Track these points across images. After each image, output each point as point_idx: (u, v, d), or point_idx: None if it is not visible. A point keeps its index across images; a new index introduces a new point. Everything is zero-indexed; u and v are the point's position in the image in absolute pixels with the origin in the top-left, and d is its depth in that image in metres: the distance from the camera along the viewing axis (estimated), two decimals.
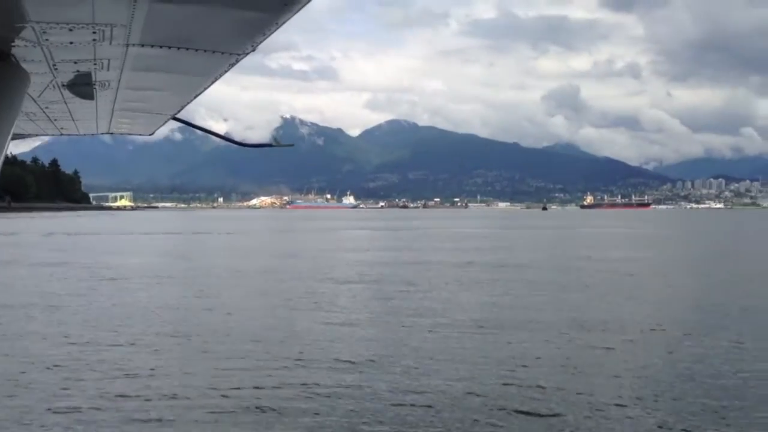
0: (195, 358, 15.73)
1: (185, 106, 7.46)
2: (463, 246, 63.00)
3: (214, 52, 4.97)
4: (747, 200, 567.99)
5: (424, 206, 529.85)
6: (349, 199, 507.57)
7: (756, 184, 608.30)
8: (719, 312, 24.31)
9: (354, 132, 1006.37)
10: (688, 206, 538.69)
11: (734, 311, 24.40)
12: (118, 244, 64.74)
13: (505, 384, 13.89)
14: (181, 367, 14.88)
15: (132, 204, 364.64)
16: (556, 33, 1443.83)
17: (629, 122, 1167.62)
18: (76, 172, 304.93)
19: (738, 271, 40.23)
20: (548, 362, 15.78)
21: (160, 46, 4.84)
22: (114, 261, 43.28)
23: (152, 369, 14.55)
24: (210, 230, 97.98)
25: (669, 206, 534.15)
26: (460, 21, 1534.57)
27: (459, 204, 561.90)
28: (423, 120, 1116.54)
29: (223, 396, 12.66)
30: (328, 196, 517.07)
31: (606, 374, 14.86)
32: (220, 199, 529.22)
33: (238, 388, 13.11)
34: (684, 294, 29.54)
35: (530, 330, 19.71)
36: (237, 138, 12.48)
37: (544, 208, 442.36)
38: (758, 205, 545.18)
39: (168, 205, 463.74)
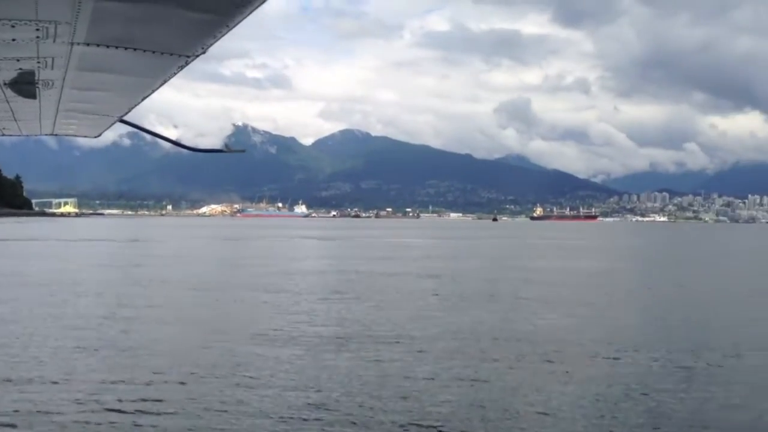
0: (70, 370, 15.01)
1: (133, 108, 7.20)
2: (403, 255, 62.90)
3: (162, 53, 4.83)
4: (689, 214, 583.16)
5: (377, 216, 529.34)
6: (301, 208, 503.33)
7: (698, 198, 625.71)
8: (640, 323, 24.52)
9: (307, 141, 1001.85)
10: (634, 219, 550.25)
11: (654, 323, 24.64)
12: (52, 250, 62.69)
13: (373, 397, 13.52)
14: (53, 377, 14.20)
15: (77, 210, 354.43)
16: (508, 47, 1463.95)
17: (578, 136, 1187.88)
18: (17, 177, 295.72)
19: (669, 283, 40.91)
20: (444, 376, 15.39)
21: (107, 46, 4.66)
22: (41, 268, 41.84)
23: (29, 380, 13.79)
24: (153, 238, 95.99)
25: (616, 219, 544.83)
26: (413, 33, 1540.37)
27: (411, 214, 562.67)
28: (376, 130, 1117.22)
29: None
30: (280, 204, 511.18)
31: (501, 387, 14.65)
32: (169, 207, 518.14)
33: (96, 401, 12.47)
34: (610, 305, 29.66)
35: (439, 342, 19.36)
36: (188, 144, 11.86)
37: (495, 219, 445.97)
38: (700, 219, 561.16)
39: (114, 212, 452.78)
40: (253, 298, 29.09)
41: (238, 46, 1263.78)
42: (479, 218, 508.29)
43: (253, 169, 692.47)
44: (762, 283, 40.72)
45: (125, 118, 8.05)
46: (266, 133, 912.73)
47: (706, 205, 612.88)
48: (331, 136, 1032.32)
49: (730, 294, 34.96)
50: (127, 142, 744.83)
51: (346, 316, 24.18)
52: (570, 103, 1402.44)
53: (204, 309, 25.46)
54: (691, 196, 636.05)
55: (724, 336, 21.75)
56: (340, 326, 21.77)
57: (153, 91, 6.18)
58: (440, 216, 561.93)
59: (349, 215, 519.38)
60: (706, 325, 24.07)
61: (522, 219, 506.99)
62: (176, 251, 66.48)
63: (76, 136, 10.09)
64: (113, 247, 72.07)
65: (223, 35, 4.44)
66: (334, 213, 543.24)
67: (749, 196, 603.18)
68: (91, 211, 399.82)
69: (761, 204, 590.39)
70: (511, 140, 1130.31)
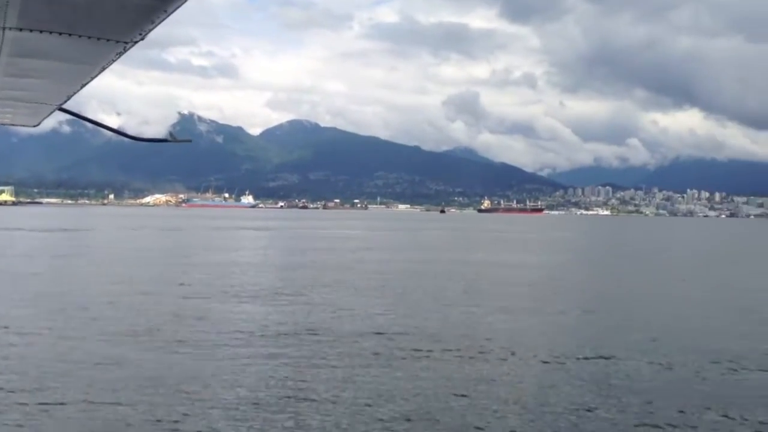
0: None
1: (72, 96, 6.93)
2: (338, 246, 62.41)
3: (98, 39, 4.67)
4: (631, 208, 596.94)
5: (324, 207, 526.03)
6: (248, 199, 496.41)
7: (639, 192, 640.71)
8: (557, 319, 24.57)
9: (254, 131, 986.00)
10: (579, 212, 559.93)
11: (568, 318, 24.72)
12: None
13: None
14: None
15: (13, 199, 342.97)
16: (456, 40, 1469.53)
17: (525, 130, 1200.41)
18: None
19: (602, 277, 41.43)
20: (328, 376, 15.06)
21: (40, 31, 4.51)
22: None
23: None
24: (87, 228, 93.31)
25: (561, 212, 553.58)
26: (362, 24, 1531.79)
27: (359, 205, 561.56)
28: (325, 121, 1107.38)
29: None
30: (226, 195, 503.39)
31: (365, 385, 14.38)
32: (111, 196, 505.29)
33: None
34: (529, 299, 29.73)
35: (313, 339, 19.02)
36: (131, 133, 11.09)
37: (442, 211, 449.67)
38: (641, 212, 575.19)
39: (53, 200, 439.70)
40: (158, 291, 28.28)
41: (184, 34, 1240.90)
42: (427, 210, 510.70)
43: (198, 159, 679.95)
44: (683, 281, 41.63)
45: (65, 106, 7.73)
46: (212, 122, 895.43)
47: (647, 199, 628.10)
48: (279, 126, 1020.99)
49: (657, 288, 35.54)
50: (67, 129, 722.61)
51: (245, 312, 23.64)
52: (517, 97, 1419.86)
53: (94, 303, 24.56)
54: (632, 191, 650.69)
55: (637, 331, 21.93)
56: (230, 323, 21.21)
57: (92, 79, 6.04)
58: (388, 207, 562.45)
59: (296, 206, 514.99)
60: (620, 322, 24.24)
61: (470, 211, 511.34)
62: (105, 242, 64.68)
63: (13, 125, 9.75)
64: (43, 238, 69.71)
65: (162, 21, 4.37)
66: (282, 204, 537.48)
67: (688, 190, 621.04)
68: (29, 200, 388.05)
69: (699, 198, 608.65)
70: (459, 133, 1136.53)
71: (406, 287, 31.78)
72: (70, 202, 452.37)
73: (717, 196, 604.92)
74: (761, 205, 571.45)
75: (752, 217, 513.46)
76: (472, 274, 39.35)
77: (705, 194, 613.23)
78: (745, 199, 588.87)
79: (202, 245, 62.60)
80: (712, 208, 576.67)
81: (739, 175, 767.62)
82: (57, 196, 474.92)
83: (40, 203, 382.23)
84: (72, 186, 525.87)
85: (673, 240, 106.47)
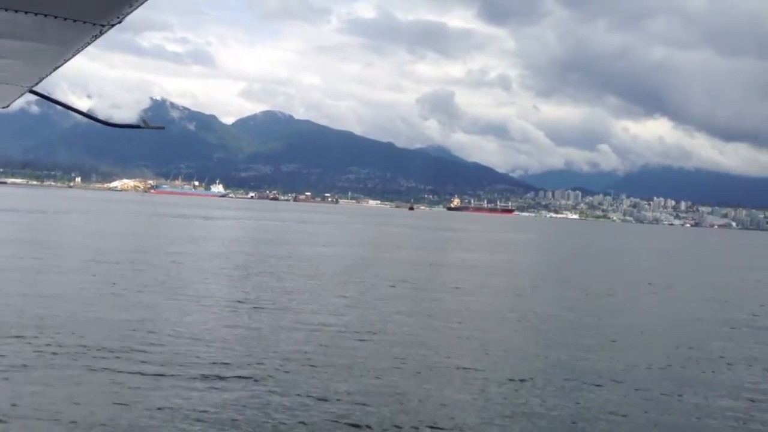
0: None
1: (44, 78, 6.73)
2: (277, 239, 62.41)
3: (75, 20, 4.49)
4: (599, 213, 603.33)
5: (295, 199, 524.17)
6: (218, 188, 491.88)
7: (608, 198, 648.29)
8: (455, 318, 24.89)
9: (228, 120, 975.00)
10: (548, 215, 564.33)
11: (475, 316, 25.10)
12: None
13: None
14: None
15: None
16: (433, 39, 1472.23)
17: (498, 131, 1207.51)
18: None
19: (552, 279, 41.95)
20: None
21: (15, 10, 4.34)
22: None
23: None
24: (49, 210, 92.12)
25: (531, 214, 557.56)
26: (340, 18, 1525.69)
27: (330, 199, 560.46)
28: (299, 113, 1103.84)
29: None
30: (196, 182, 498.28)
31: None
32: (78, 179, 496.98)
33: None
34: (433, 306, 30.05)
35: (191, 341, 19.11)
36: (102, 116, 11.16)
37: (411, 208, 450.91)
38: (608, 218, 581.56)
39: (18, 181, 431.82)
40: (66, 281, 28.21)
41: (159, 18, 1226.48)
42: (397, 206, 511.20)
43: (169, 145, 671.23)
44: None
45: (35, 88, 7.57)
46: (185, 109, 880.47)
47: (615, 204, 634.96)
48: (253, 117, 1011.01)
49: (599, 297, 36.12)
50: (35, 109, 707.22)
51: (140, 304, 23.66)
52: (491, 98, 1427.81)
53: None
54: (601, 196, 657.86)
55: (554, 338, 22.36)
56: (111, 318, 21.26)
57: (65, 61, 5.82)
58: (359, 202, 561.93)
59: (267, 197, 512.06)
60: (532, 329, 24.66)
61: (439, 209, 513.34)
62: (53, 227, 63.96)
63: None
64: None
65: (140, 4, 4.19)
66: (252, 194, 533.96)
67: (654, 198, 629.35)
68: None
69: (665, 206, 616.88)
70: (432, 131, 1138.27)
71: (325, 286, 31.97)
72: (35, 183, 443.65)
73: (683, 205, 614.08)
74: (725, 216, 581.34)
75: (716, 227, 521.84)
76: (402, 274, 39.55)
77: (671, 202, 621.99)
78: (709, 209, 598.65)
79: (151, 235, 62.20)
80: (677, 217, 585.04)
81: (705, 185, 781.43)
82: (22, 176, 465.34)
83: (5, 183, 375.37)
84: (38, 167, 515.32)
85: (637, 248, 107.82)
